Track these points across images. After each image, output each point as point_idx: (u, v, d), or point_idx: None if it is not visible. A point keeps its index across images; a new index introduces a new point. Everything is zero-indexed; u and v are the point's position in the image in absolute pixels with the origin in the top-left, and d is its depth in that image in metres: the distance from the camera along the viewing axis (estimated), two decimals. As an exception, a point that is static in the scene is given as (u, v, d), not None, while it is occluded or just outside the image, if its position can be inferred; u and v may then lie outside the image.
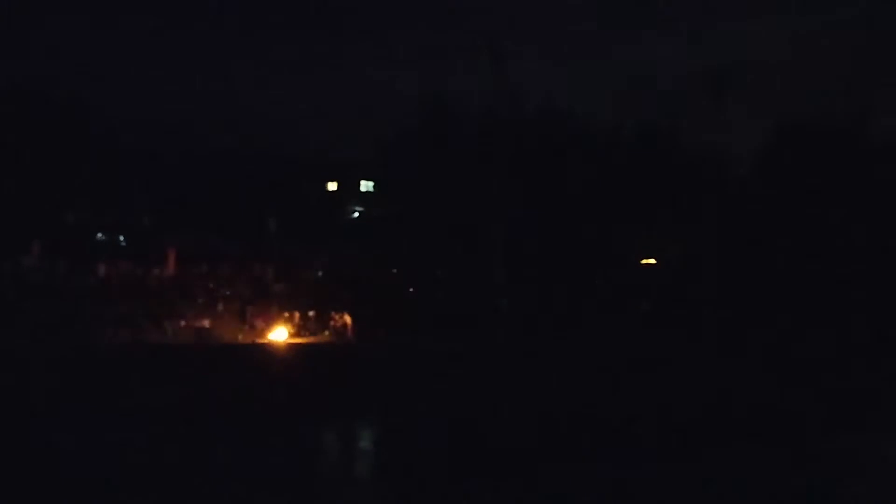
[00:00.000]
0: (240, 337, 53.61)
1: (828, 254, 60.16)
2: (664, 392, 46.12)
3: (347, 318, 56.39)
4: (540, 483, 29.09)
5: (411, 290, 61.51)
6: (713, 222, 63.26)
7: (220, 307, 56.38)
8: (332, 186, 70.70)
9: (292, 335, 55.45)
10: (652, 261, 66.09)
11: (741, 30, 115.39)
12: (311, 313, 57.17)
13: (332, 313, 57.08)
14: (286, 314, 56.53)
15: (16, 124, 60.12)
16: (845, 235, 60.58)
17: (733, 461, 31.88)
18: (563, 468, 30.85)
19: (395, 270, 63.03)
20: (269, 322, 55.75)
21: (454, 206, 60.45)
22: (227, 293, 57.34)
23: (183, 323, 54.54)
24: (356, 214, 69.55)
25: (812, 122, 66.44)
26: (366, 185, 69.68)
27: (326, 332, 56.28)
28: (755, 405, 43.58)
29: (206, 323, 55.33)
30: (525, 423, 38.74)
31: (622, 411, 41.71)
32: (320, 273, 62.94)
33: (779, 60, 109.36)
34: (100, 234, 63.94)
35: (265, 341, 54.09)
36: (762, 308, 58.24)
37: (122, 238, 63.02)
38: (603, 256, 62.67)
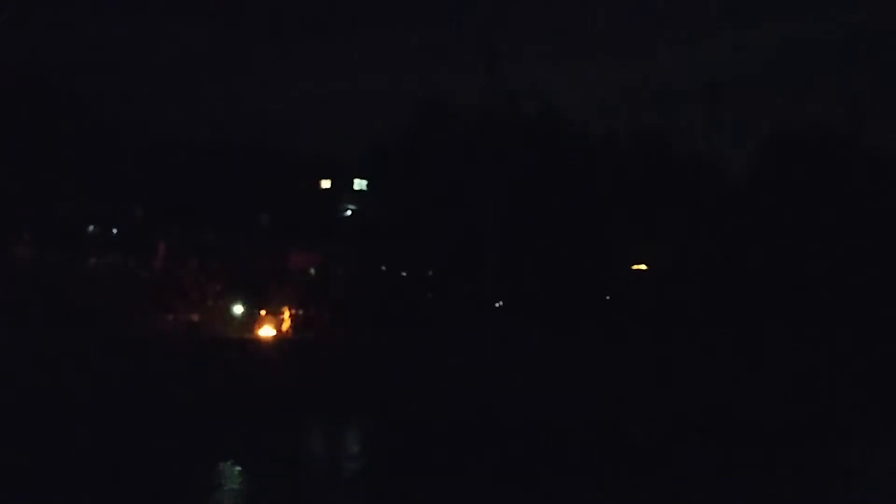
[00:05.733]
0: (228, 332, 53.61)
1: (820, 260, 60.27)
2: (655, 397, 46.18)
3: (337, 315, 56.39)
4: (514, 484, 29.27)
5: (403, 288, 61.53)
6: (705, 229, 63.34)
7: (210, 302, 56.40)
8: (326, 184, 70.62)
9: (282, 331, 55.49)
10: (643, 266, 66.17)
11: (738, 38, 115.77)
12: (301, 310, 57.24)
13: (322, 310, 57.13)
14: (276, 310, 56.58)
15: (10, 116, 60.02)
16: (838, 243, 60.68)
17: (726, 468, 31.92)
18: (541, 472, 30.94)
19: (386, 269, 63.04)
20: (259, 317, 55.79)
21: (448, 206, 60.47)
22: (217, 288, 57.30)
23: (171, 317, 54.60)
24: (349, 212, 69.52)
25: (806, 131, 66.60)
26: (359, 184, 69.63)
27: (316, 329, 56.31)
28: (748, 412, 43.63)
29: (195, 317, 55.38)
30: (507, 427, 38.84)
31: (611, 416, 41.75)
32: (312, 270, 62.89)
33: (774, 69, 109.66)
34: (91, 227, 63.82)
35: (254, 337, 54.13)
36: (754, 315, 58.29)
37: (117, 229, 62.98)
38: (595, 260, 62.71)
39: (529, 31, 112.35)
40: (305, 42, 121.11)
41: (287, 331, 55.62)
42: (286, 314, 56.91)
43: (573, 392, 45.84)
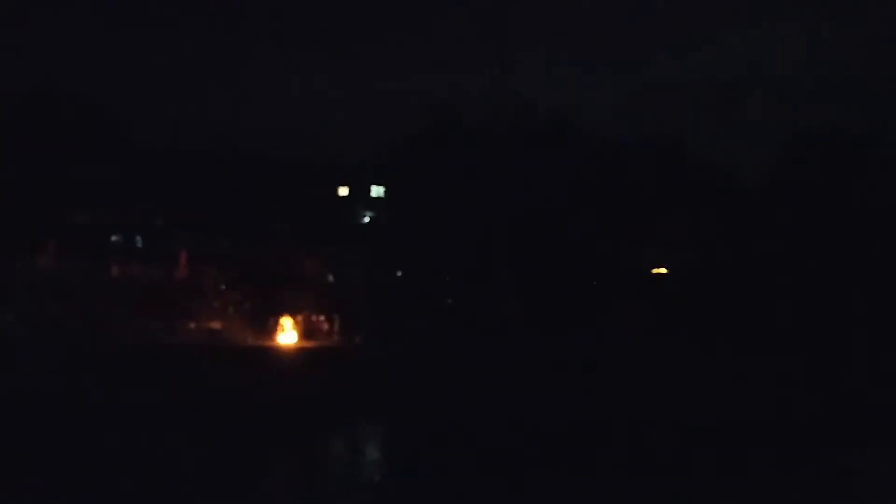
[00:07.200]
0: (249, 339, 54.13)
1: (839, 266, 60.17)
2: (666, 401, 46.22)
3: (355, 321, 56.75)
4: (526, 488, 29.45)
5: (420, 295, 61.84)
6: (724, 232, 63.35)
7: (231, 310, 56.92)
8: (343, 191, 71.14)
9: (302, 339, 55.91)
10: (663, 270, 66.21)
11: (751, 38, 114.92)
12: (320, 317, 57.67)
13: (341, 316, 57.52)
14: (296, 318, 57.02)
15: (30, 124, 60.69)
16: (857, 248, 60.56)
17: (733, 473, 31.98)
18: (553, 478, 31.08)
19: (403, 275, 63.41)
20: (280, 325, 56.26)
21: (463, 212, 60.77)
22: (237, 296, 57.84)
23: (193, 325, 55.18)
24: (366, 219, 70.02)
25: (824, 133, 66.43)
26: (376, 191, 70.13)
27: (335, 337, 56.73)
28: (759, 416, 43.61)
29: (217, 325, 55.94)
30: (518, 432, 38.95)
31: (624, 420, 41.84)
32: (331, 277, 63.36)
33: (790, 69, 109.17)
34: (114, 237, 64.46)
35: (275, 344, 54.60)
36: (772, 319, 58.25)
37: (139, 238, 63.63)
38: (613, 264, 62.82)
39: (538, 34, 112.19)
40: (322, 47, 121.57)
41: (306, 337, 56.06)
42: (305, 321, 57.38)
43: (591, 395, 46.00)
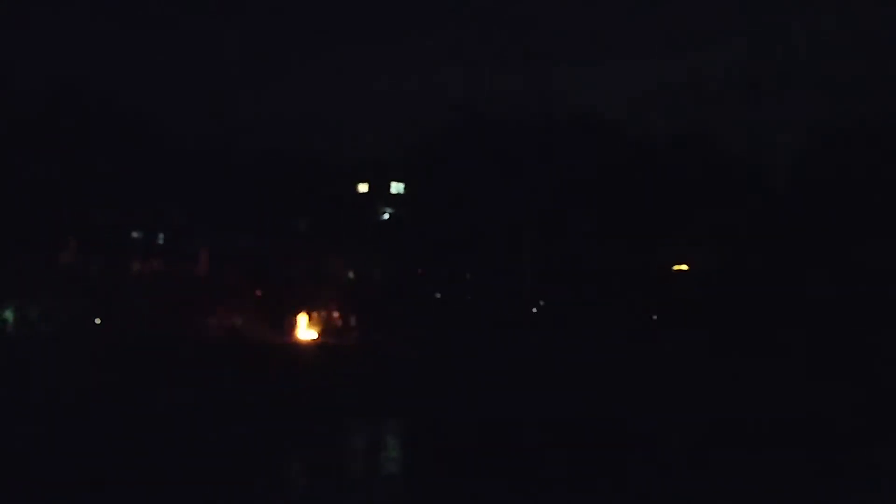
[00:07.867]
0: (268, 335, 54.33)
1: (865, 261, 59.56)
2: (691, 398, 46.01)
3: (374, 319, 56.87)
4: (532, 481, 29.50)
5: (440, 292, 61.87)
6: (748, 229, 62.90)
7: (251, 306, 57.18)
8: (363, 188, 71.21)
9: (321, 335, 56.10)
10: (684, 266, 65.88)
11: (777, 32, 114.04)
12: (339, 313, 57.84)
13: (361, 313, 57.66)
14: (316, 314, 57.21)
15: (52, 124, 61.16)
16: (886, 242, 59.87)
17: (759, 470, 31.79)
18: (564, 476, 31.01)
19: (423, 272, 63.41)
20: (299, 322, 56.47)
21: (483, 208, 60.72)
22: (257, 292, 58.10)
23: (214, 321, 55.48)
24: (386, 216, 70.07)
25: (851, 127, 65.69)
26: (396, 187, 70.14)
27: (355, 333, 56.89)
28: (783, 414, 43.32)
29: (237, 321, 56.21)
30: (535, 431, 38.96)
31: (639, 417, 41.70)
32: (351, 274, 63.50)
33: (815, 64, 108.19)
34: (136, 234, 64.84)
35: (294, 340, 54.81)
36: (798, 316, 57.78)
37: (160, 235, 64.01)
38: (635, 261, 62.57)
39: (563, 31, 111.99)
40: (342, 47, 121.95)
41: (326, 334, 56.22)
42: (325, 318, 57.52)
43: (615, 393, 45.89)
